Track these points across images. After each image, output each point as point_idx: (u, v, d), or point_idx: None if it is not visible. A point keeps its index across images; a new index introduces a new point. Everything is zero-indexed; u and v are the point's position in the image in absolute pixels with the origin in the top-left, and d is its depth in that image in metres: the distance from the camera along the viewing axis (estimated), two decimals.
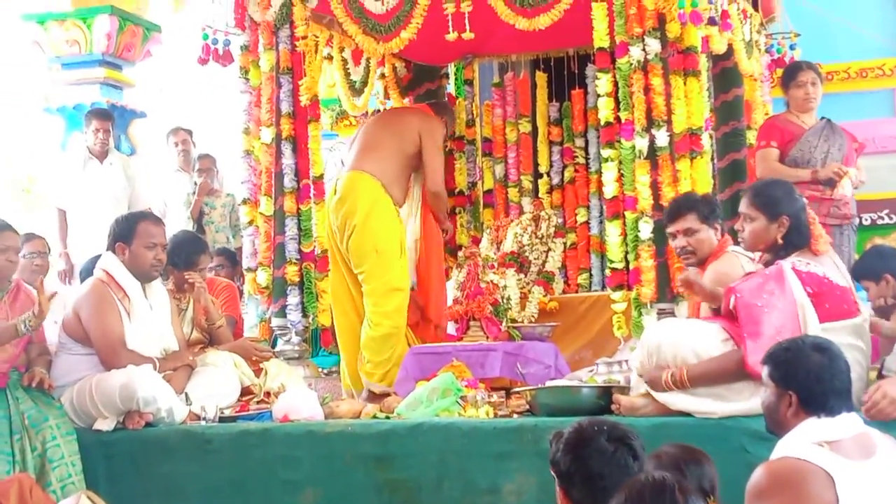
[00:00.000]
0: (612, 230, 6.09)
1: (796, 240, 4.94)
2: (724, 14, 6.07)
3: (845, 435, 3.50)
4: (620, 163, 6.06)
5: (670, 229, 5.50)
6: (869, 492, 3.40)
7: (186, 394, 5.72)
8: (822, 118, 7.14)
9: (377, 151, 7.03)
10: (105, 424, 5.49)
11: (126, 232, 5.84)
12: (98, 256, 6.03)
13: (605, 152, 6.16)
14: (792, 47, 7.69)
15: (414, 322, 7.11)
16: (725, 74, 7.15)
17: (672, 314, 5.80)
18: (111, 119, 9.10)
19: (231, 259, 8.29)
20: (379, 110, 8.17)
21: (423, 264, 7.19)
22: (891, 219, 8.58)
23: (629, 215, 5.97)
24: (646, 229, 5.88)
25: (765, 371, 3.70)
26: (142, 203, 8.92)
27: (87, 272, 6.12)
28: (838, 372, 3.58)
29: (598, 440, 3.19)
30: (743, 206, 5.09)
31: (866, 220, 8.31)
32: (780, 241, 4.94)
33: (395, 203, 7.01)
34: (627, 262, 6.06)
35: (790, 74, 7.19)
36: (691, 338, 4.80)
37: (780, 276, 4.74)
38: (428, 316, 7.11)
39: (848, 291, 4.92)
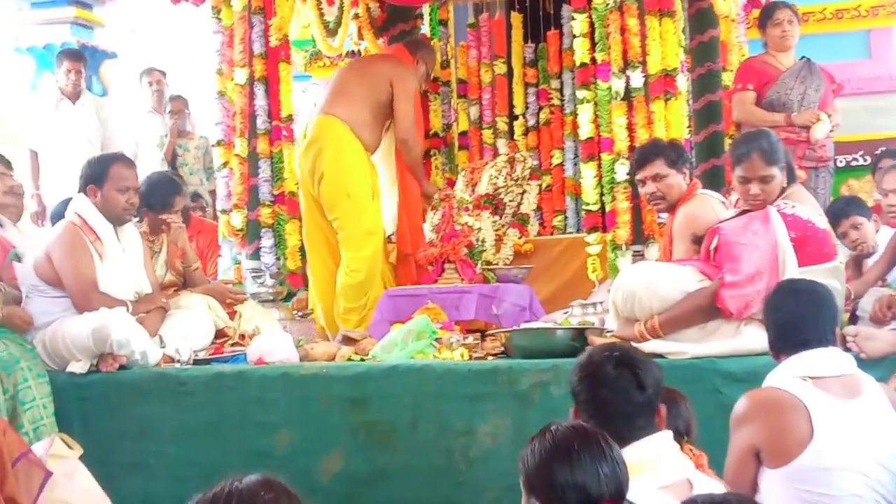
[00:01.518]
0: (588, 172, 6.06)
1: (789, 178, 4.97)
2: None
3: (830, 373, 3.59)
4: (596, 104, 6.03)
5: (639, 176, 5.48)
6: (847, 429, 3.47)
7: (160, 336, 5.71)
8: (802, 58, 7.14)
9: (347, 97, 6.96)
10: (78, 367, 5.46)
11: (98, 174, 5.78)
12: (70, 199, 5.97)
13: (581, 93, 6.12)
14: None
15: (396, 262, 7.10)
16: (701, 15, 7.08)
17: (643, 256, 5.80)
18: (83, 59, 9.00)
19: (201, 203, 8.26)
20: (353, 52, 8.10)
21: (401, 207, 7.11)
22: (865, 161, 8.59)
23: (605, 157, 5.95)
24: (622, 171, 5.86)
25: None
26: (115, 145, 8.85)
27: (59, 215, 6.07)
28: (806, 309, 3.68)
29: (605, 366, 3.22)
30: (755, 170, 4.88)
31: (841, 161, 8.32)
32: (785, 186, 4.94)
33: (366, 148, 6.94)
34: (602, 204, 6.05)
35: (767, 13, 7.20)
36: (667, 281, 4.83)
37: (765, 217, 4.77)
38: (404, 249, 7.06)
39: (828, 235, 4.94)
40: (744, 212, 4.93)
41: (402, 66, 7.19)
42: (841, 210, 5.90)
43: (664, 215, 5.86)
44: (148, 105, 9.59)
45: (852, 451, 3.49)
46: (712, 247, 4.78)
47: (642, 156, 5.48)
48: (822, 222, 4.93)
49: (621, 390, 3.18)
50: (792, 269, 4.66)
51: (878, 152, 7.64)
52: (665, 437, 3.22)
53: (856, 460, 3.49)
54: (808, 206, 4.93)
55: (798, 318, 3.67)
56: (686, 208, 5.27)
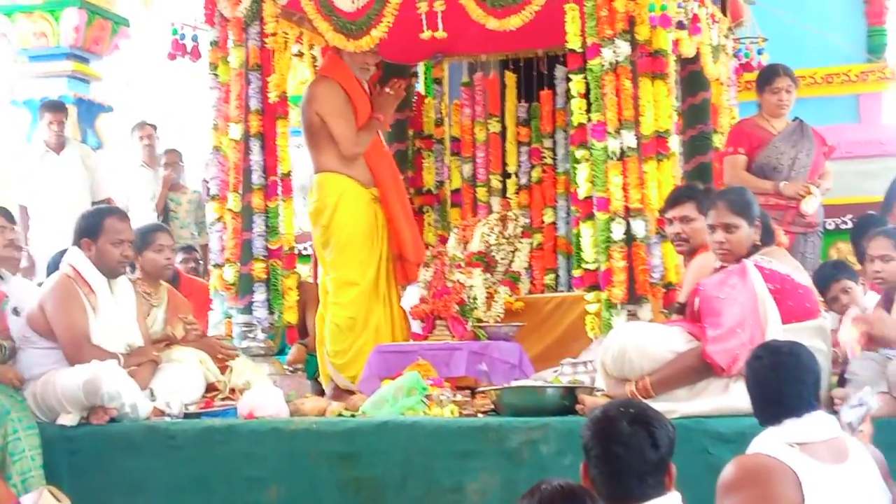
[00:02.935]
0: (586, 231, 6.09)
1: (766, 239, 5.01)
2: (694, 18, 6.13)
3: (817, 438, 3.57)
4: (591, 164, 6.08)
5: (668, 215, 5.65)
6: (837, 496, 3.46)
7: (151, 389, 5.70)
8: (795, 119, 7.18)
9: (316, 147, 7.00)
10: (69, 419, 5.46)
11: (92, 227, 5.82)
12: (64, 251, 6.00)
13: (578, 153, 6.17)
14: (759, 52, 7.75)
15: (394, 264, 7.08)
16: (693, 78, 7.18)
17: (636, 316, 5.84)
18: (64, 110, 9.06)
19: (194, 256, 8.29)
20: None
21: (387, 208, 7.02)
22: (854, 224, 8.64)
23: (600, 216, 5.99)
24: (618, 230, 5.91)
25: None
26: (103, 192, 8.90)
27: (54, 266, 6.09)
28: (787, 377, 3.66)
29: (620, 422, 3.17)
30: (720, 217, 5.00)
31: (830, 224, 8.36)
32: (757, 244, 4.98)
33: (362, 182, 6.97)
34: (599, 264, 6.09)
35: (766, 78, 7.19)
36: (656, 341, 4.87)
37: (742, 271, 4.82)
38: (406, 256, 6.99)
39: (810, 292, 4.98)
40: (722, 268, 4.99)
41: (312, 87, 7.10)
42: (830, 275, 5.93)
43: (657, 275, 5.92)
44: (139, 159, 9.63)
45: None
46: (696, 307, 4.83)
47: (676, 196, 5.67)
48: (803, 279, 4.98)
49: (635, 447, 3.14)
50: (774, 322, 4.71)
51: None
52: (674, 499, 3.20)
53: None
54: (788, 265, 4.98)
55: (781, 388, 3.65)
56: (702, 257, 5.38)
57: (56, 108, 9.01)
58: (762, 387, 3.69)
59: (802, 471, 3.46)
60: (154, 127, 9.77)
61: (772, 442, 3.56)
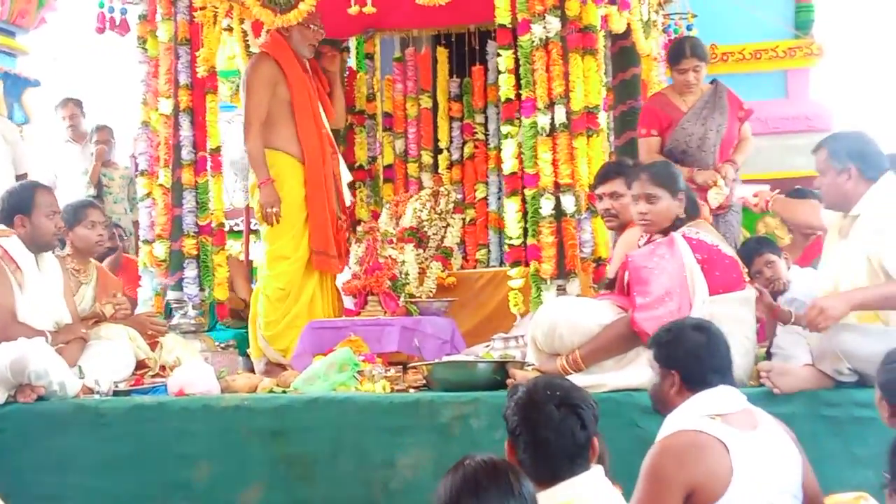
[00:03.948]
0: (511, 206, 6.12)
1: (692, 212, 5.05)
2: None
3: (732, 409, 3.62)
4: (520, 139, 6.10)
5: (598, 191, 5.71)
6: (757, 460, 3.52)
7: (80, 367, 5.65)
8: (712, 82, 7.04)
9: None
10: None
11: (24, 203, 5.75)
12: None
13: (505, 128, 6.19)
14: (689, 28, 7.79)
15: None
16: (623, 53, 7.23)
17: (565, 291, 5.87)
18: None
19: (119, 233, 8.18)
20: None
21: (308, 192, 6.96)
22: None
23: (529, 192, 6.01)
24: (547, 206, 5.93)
25: (649, 354, 3.82)
26: (22, 168, 8.77)
27: None
28: (716, 350, 3.73)
29: (548, 405, 3.20)
30: (642, 188, 5.07)
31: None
32: (681, 217, 5.02)
33: (296, 156, 6.94)
34: (525, 239, 6.11)
35: (675, 57, 6.96)
36: (586, 315, 4.91)
37: (670, 242, 4.88)
38: (312, 246, 6.94)
39: (736, 263, 5.03)
40: (650, 241, 5.04)
41: (250, 62, 7.11)
42: (753, 249, 5.99)
43: (587, 250, 5.96)
44: (64, 136, 9.52)
45: (766, 483, 3.54)
46: (626, 280, 4.88)
47: (605, 173, 5.71)
48: (729, 250, 5.04)
49: (566, 432, 3.18)
50: (702, 292, 4.77)
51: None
52: (598, 472, 3.23)
53: (770, 492, 3.55)
54: (715, 237, 5.04)
55: (698, 358, 3.69)
56: (631, 232, 5.44)
57: None
58: (706, 353, 3.71)
59: (729, 440, 3.51)
60: (78, 104, 9.65)
61: (692, 416, 3.59)
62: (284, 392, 5.45)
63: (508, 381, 5.02)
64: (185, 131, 6.70)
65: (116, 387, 5.60)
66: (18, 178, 8.30)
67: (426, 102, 8.23)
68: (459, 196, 7.86)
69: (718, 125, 6.85)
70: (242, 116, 6.99)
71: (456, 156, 8.18)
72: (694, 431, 3.54)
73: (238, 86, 9.41)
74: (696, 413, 3.59)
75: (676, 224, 5.02)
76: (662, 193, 5.02)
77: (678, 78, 6.88)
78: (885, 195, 4.67)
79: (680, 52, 6.90)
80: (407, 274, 6.66)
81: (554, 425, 3.17)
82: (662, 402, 3.77)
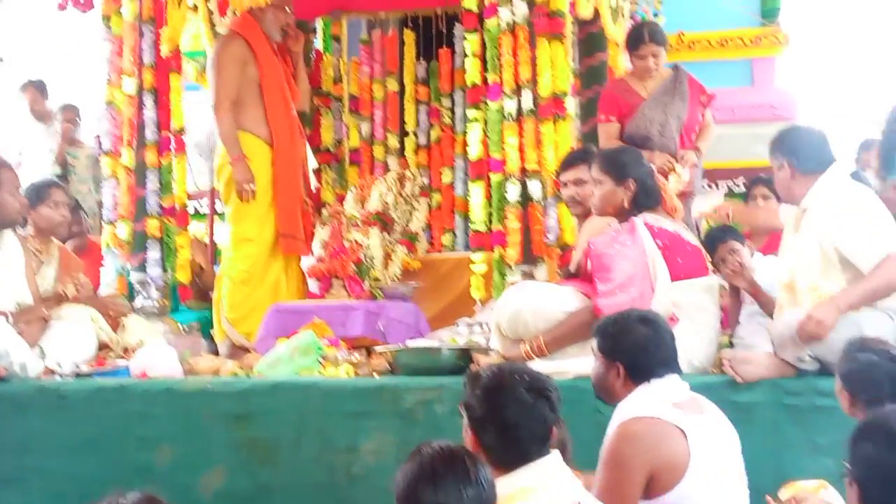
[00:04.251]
0: (476, 192, 6.12)
1: (644, 201, 5.04)
2: None
3: (683, 396, 3.67)
4: (486, 124, 6.09)
5: (562, 178, 5.70)
6: (710, 444, 3.57)
7: (41, 348, 5.61)
8: (673, 67, 6.96)
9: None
10: None
11: None
12: None
13: (471, 113, 6.18)
14: (655, 14, 7.80)
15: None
16: (591, 39, 7.23)
17: (532, 276, 5.87)
18: None
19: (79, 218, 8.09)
20: None
21: (275, 174, 6.92)
22: (745, 187, 8.77)
23: (495, 177, 6.01)
24: (513, 191, 5.93)
25: (593, 343, 3.84)
26: None
27: None
28: (662, 342, 3.75)
29: (518, 389, 3.19)
30: (592, 172, 5.18)
31: (722, 187, 8.50)
32: (626, 205, 5.04)
33: (264, 138, 6.89)
34: (490, 224, 6.11)
35: (632, 43, 6.84)
36: (550, 302, 4.92)
37: (631, 228, 4.90)
38: (278, 229, 6.91)
39: (699, 250, 5.06)
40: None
41: (219, 41, 7.09)
42: (716, 237, 6.02)
43: (552, 236, 5.97)
44: (28, 117, 9.46)
45: (719, 467, 3.60)
46: (589, 267, 4.90)
47: (570, 160, 5.70)
48: (691, 237, 5.07)
49: (537, 416, 3.19)
50: (664, 278, 4.80)
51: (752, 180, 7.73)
52: (556, 457, 3.24)
53: (723, 475, 3.60)
54: (677, 225, 5.06)
55: (644, 351, 3.72)
56: (595, 219, 5.41)
57: None
58: (652, 345, 3.73)
59: (685, 426, 3.56)
60: (39, 86, 9.57)
61: (646, 403, 3.63)
62: (248, 375, 5.43)
63: (472, 367, 5.02)
64: (149, 111, 6.65)
65: (78, 368, 5.57)
66: None
67: (393, 85, 8.21)
68: (426, 180, 7.86)
69: (679, 111, 6.78)
70: (211, 96, 6.94)
71: (422, 140, 8.17)
72: (651, 417, 3.57)
73: (204, 66, 9.37)
74: (650, 400, 3.62)
75: (625, 211, 5.04)
76: (603, 178, 5.07)
77: (637, 63, 6.81)
78: (831, 187, 4.71)
79: (639, 37, 6.80)
80: (372, 258, 6.64)
81: (526, 409, 3.18)
82: (606, 391, 3.81)
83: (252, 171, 6.75)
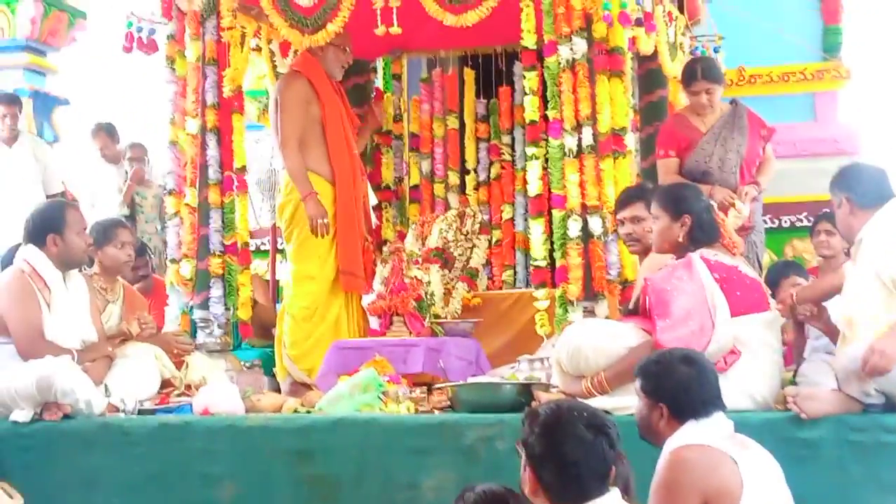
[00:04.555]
0: (536, 228, 6.13)
1: (700, 236, 5.02)
2: (647, 16, 6.13)
3: (729, 431, 3.70)
4: (546, 160, 6.10)
5: (619, 216, 5.70)
6: (762, 476, 3.58)
7: (106, 385, 5.67)
8: (731, 101, 6.97)
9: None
10: (22, 415, 5.41)
11: (56, 222, 5.78)
12: (17, 246, 5.96)
13: (530, 150, 6.20)
14: (716, 50, 7.76)
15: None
16: (650, 75, 7.22)
17: (593, 312, 5.86)
18: (18, 103, 9.00)
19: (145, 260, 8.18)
20: None
21: (336, 214, 6.98)
22: (809, 222, 8.67)
23: (556, 213, 6.01)
24: (574, 227, 5.93)
25: (637, 383, 3.83)
26: (54, 187, 8.84)
27: (7, 262, 6.04)
28: (706, 382, 3.76)
29: (577, 427, 3.18)
30: (651, 208, 5.20)
31: (785, 222, 8.43)
32: (682, 240, 5.03)
33: (325, 176, 6.96)
34: (552, 260, 6.11)
35: (685, 79, 6.88)
36: (611, 338, 4.91)
37: (688, 263, 4.89)
38: (340, 267, 6.95)
39: (758, 284, 5.03)
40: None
41: (281, 80, 7.19)
42: (780, 272, 5.98)
43: (614, 272, 5.95)
44: (99, 160, 9.62)
45: (771, 500, 3.60)
46: (648, 303, 4.88)
47: (625, 198, 5.70)
48: (750, 271, 5.04)
49: (597, 451, 3.18)
50: (723, 311, 4.77)
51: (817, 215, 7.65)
52: (616, 495, 3.23)
53: None
54: (736, 259, 5.04)
55: (686, 391, 3.73)
56: (654, 255, 5.39)
57: (10, 100, 8.93)
58: (701, 386, 3.74)
59: (736, 455, 3.55)
60: (110, 131, 9.71)
61: (704, 433, 3.64)
62: (309, 412, 5.45)
63: (533, 404, 5.01)
64: (212, 150, 6.71)
65: (142, 405, 5.62)
66: (48, 198, 8.37)
67: (453, 123, 8.24)
68: (486, 217, 7.86)
69: (738, 145, 6.76)
70: (275, 135, 7.02)
71: (483, 176, 8.17)
72: (702, 445, 3.58)
73: (265, 105, 9.48)
74: (707, 431, 3.62)
75: (682, 246, 5.03)
76: (660, 214, 5.09)
77: (692, 99, 6.82)
78: (887, 218, 4.69)
79: (692, 74, 6.81)
80: (432, 294, 6.65)
81: (586, 446, 3.17)
82: (651, 432, 3.81)
83: (324, 206, 6.80)
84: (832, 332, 5.10)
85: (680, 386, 3.73)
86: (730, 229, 5.16)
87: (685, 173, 6.71)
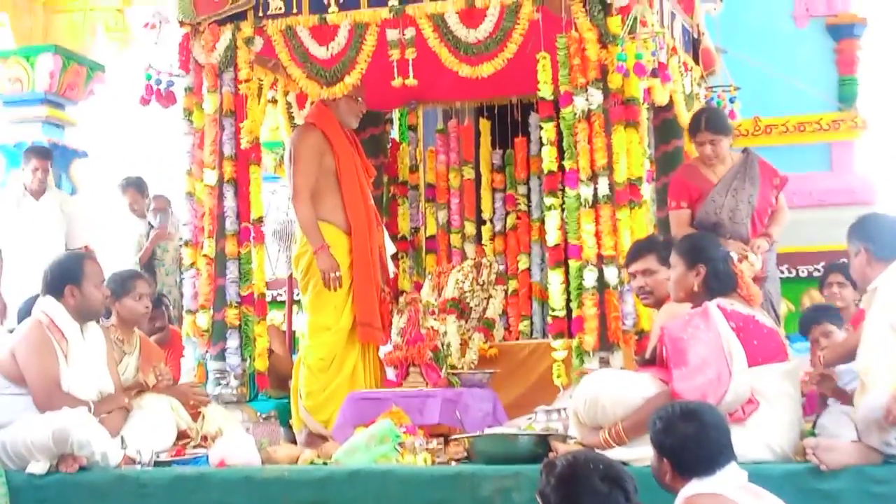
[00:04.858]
0: (555, 278, 6.12)
1: (715, 286, 5.03)
2: (662, 66, 6.15)
3: (743, 482, 3.69)
4: (563, 211, 6.11)
5: (630, 269, 5.70)
6: None
7: (122, 437, 5.66)
8: (743, 150, 6.98)
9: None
10: (38, 467, 5.41)
11: (74, 273, 5.81)
12: (36, 296, 5.98)
13: (548, 200, 6.21)
14: (732, 100, 7.76)
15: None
16: (666, 125, 7.24)
17: (608, 363, 5.84)
18: (50, 158, 9.06)
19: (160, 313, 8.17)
20: None
21: (353, 264, 6.97)
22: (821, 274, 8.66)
23: (573, 263, 6.01)
24: (590, 277, 5.92)
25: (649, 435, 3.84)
26: (79, 240, 8.87)
27: (26, 312, 6.07)
28: (706, 440, 3.72)
29: (593, 479, 3.18)
30: (671, 258, 5.25)
31: (803, 272, 8.41)
32: (697, 289, 5.06)
33: (340, 227, 6.97)
34: (568, 310, 6.10)
35: (691, 131, 6.88)
36: (628, 388, 4.90)
37: (705, 312, 4.89)
38: (357, 318, 6.93)
39: (776, 333, 5.02)
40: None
41: (296, 132, 7.22)
42: (811, 318, 5.98)
43: (629, 322, 5.94)
44: (129, 213, 9.67)
45: None
46: (664, 352, 4.87)
47: (636, 250, 5.70)
48: (767, 321, 5.04)
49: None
50: (740, 360, 4.76)
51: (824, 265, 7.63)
52: None
53: None
54: (753, 309, 5.03)
55: (685, 450, 3.71)
56: (669, 306, 5.41)
57: (43, 155, 8.99)
58: (703, 443, 3.72)
59: None
60: (139, 185, 9.75)
61: (716, 485, 3.62)
62: (325, 464, 5.44)
63: (550, 455, 4.98)
64: (229, 202, 6.73)
65: (158, 457, 5.61)
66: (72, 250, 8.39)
67: (469, 173, 8.27)
68: (502, 267, 7.86)
69: (750, 195, 6.76)
70: (289, 187, 7.04)
71: (499, 227, 8.19)
72: (714, 494, 3.56)
73: (282, 157, 9.53)
74: (718, 483, 3.62)
75: (697, 295, 5.05)
76: (676, 263, 5.14)
77: (698, 150, 6.85)
78: None
79: (696, 124, 6.82)
80: (449, 345, 6.64)
81: (601, 498, 3.16)
82: (662, 484, 3.81)
83: (336, 259, 6.81)
84: (841, 397, 5.09)
85: (678, 444, 3.74)
86: (748, 280, 5.15)
87: (696, 225, 6.73)
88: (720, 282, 5.03)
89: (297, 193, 6.92)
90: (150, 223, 9.45)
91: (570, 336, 6.08)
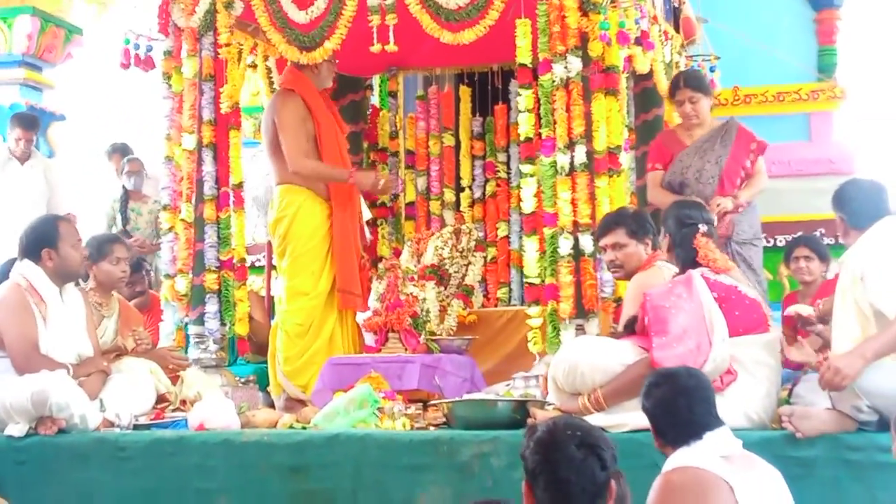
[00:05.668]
0: (530, 245, 6.13)
1: (680, 254, 5.20)
2: (644, 34, 6.16)
3: (736, 450, 3.66)
4: (540, 178, 6.11)
5: (601, 243, 5.69)
6: (759, 501, 3.52)
7: (101, 400, 5.67)
8: (728, 119, 7.03)
9: (278, 158, 7.01)
10: (16, 430, 5.41)
11: (50, 236, 5.78)
12: (13, 259, 5.96)
13: (525, 168, 6.21)
14: (712, 70, 7.77)
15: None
16: (646, 94, 7.25)
17: (584, 330, 5.86)
18: (35, 128, 9.03)
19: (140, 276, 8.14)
20: None
21: (333, 230, 6.97)
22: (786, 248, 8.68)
23: (548, 231, 6.01)
24: (565, 245, 5.93)
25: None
26: (62, 207, 8.83)
27: (3, 276, 6.04)
28: (675, 405, 3.73)
29: (569, 445, 3.18)
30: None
31: (781, 241, 8.43)
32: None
33: (319, 193, 6.96)
34: (544, 278, 6.11)
35: (671, 90, 6.94)
36: (608, 354, 4.92)
37: (688, 281, 4.92)
38: (337, 286, 6.93)
39: (758, 304, 5.04)
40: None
41: (274, 98, 7.18)
42: (793, 242, 6.06)
43: (608, 290, 5.96)
44: (115, 178, 9.63)
45: None
46: (647, 321, 4.88)
47: (605, 224, 5.69)
48: (750, 292, 5.06)
49: (586, 471, 3.15)
50: (721, 330, 4.79)
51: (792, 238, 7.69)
52: None
53: None
54: (736, 279, 5.09)
55: (692, 409, 3.71)
56: (639, 277, 5.44)
57: (28, 125, 8.96)
58: (673, 410, 3.73)
59: (734, 480, 3.54)
60: (125, 151, 9.72)
61: (698, 455, 3.61)
62: (304, 428, 5.45)
63: (529, 421, 5.01)
64: (208, 166, 6.71)
65: (137, 420, 5.63)
66: None
67: (449, 140, 8.27)
68: (481, 234, 7.87)
69: (718, 157, 6.77)
70: (269, 153, 7.00)
71: (478, 194, 8.20)
72: (695, 468, 3.56)
73: (261, 122, 9.51)
74: (703, 453, 3.61)
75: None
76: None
77: (678, 110, 6.92)
78: (869, 239, 4.64)
79: (675, 84, 6.90)
80: (428, 311, 6.66)
81: (575, 465, 3.16)
82: (661, 450, 3.82)
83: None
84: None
85: (654, 409, 3.77)
86: (708, 253, 5.12)
87: (665, 185, 6.82)
88: (685, 251, 5.15)
89: (294, 158, 6.86)
90: (123, 186, 9.40)
91: (546, 304, 6.09)
